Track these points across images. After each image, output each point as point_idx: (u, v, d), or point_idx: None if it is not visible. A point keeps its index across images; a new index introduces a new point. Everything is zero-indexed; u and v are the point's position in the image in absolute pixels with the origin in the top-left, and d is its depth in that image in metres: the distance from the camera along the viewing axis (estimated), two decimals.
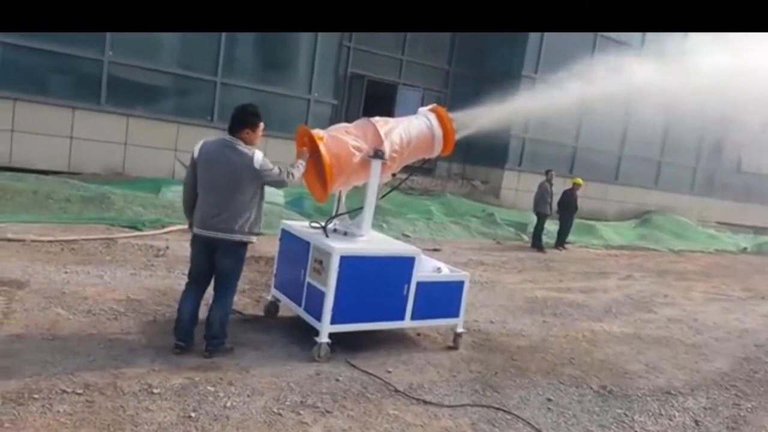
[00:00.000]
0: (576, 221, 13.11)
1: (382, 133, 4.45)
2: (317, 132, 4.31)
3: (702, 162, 20.65)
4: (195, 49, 12.14)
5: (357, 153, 4.34)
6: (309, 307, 4.33)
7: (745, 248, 17.30)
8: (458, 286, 4.84)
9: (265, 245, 8.07)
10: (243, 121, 3.92)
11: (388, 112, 14.20)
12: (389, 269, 4.39)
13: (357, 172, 4.41)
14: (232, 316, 4.92)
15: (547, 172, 12.45)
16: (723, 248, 16.56)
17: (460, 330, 4.93)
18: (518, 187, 16.22)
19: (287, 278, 4.72)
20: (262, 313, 5.03)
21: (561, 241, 12.49)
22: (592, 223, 15.44)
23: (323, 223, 4.57)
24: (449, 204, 14.21)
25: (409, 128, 4.64)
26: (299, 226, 4.76)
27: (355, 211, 4.68)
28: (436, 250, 9.83)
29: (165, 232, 7.88)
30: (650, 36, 17.46)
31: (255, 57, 13.18)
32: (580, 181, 12.82)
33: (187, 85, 12.20)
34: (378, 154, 4.38)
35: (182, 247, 7.31)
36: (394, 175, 4.86)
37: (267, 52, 13.24)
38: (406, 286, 4.44)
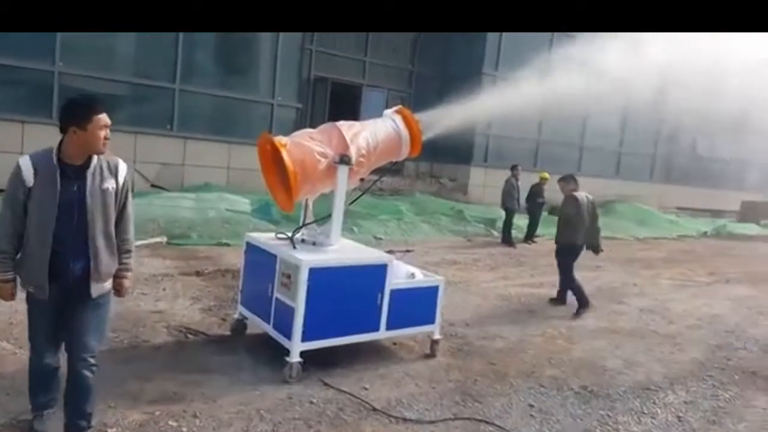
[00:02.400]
0: (543, 215, 13.23)
1: (347, 137, 4.28)
2: (279, 139, 4.11)
3: (659, 149, 21.13)
4: (150, 55, 11.72)
5: (322, 159, 4.15)
6: (278, 324, 4.13)
7: (705, 232, 17.77)
8: (433, 291, 4.71)
9: (232, 257, 7.81)
10: None
11: (354, 113, 14.04)
12: (362, 279, 4.22)
13: (323, 179, 4.23)
14: (195, 337, 4.70)
15: (512, 168, 12.49)
16: (684, 234, 16.95)
17: (436, 336, 4.79)
18: (485, 183, 16.26)
19: (254, 294, 4.50)
20: (228, 333, 4.79)
21: (530, 235, 12.55)
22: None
23: (290, 234, 4.37)
24: (419, 203, 14.13)
25: (376, 131, 4.48)
26: (264, 237, 4.54)
27: (323, 220, 4.49)
28: (408, 251, 9.71)
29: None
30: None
31: (214, 62, 12.80)
32: (546, 175, 12.87)
33: (144, 93, 11.77)
34: (344, 159, 4.20)
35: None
36: (362, 180, 4.69)
37: (227, 57, 12.88)
38: (379, 295, 4.28)
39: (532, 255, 10.99)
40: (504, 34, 15.72)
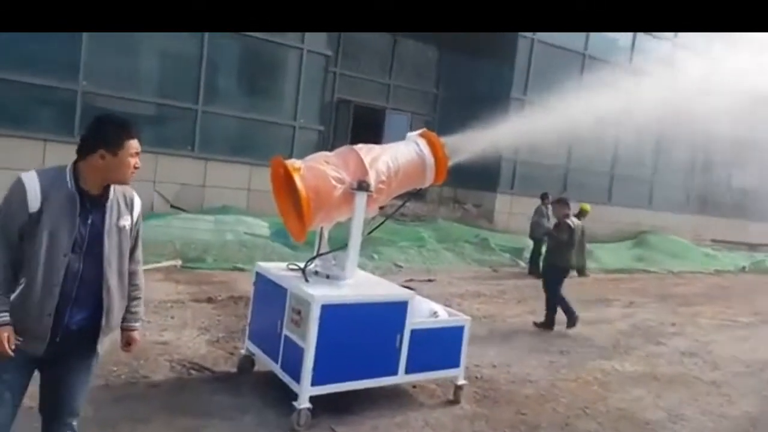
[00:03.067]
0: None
1: (366, 162, 3.96)
2: (292, 163, 3.80)
3: (693, 180, 20.41)
4: (174, 76, 11.69)
5: (338, 185, 3.83)
6: (286, 364, 3.76)
7: (744, 267, 16.92)
8: (458, 332, 4.30)
9: (246, 283, 7.50)
10: None
11: (377, 137, 13.80)
12: (379, 317, 3.85)
13: (339, 206, 3.90)
14: (199, 373, 4.35)
15: (542, 196, 11.97)
16: (722, 268, 16.15)
17: (461, 382, 4.36)
18: (511, 210, 15.78)
19: (262, 329, 4.15)
20: (234, 369, 4.44)
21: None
22: (587, 245, 15.00)
23: (302, 265, 4.03)
24: (441, 230, 13.70)
25: (397, 156, 4.15)
26: (275, 268, 4.21)
27: (339, 250, 4.14)
28: (430, 280, 9.30)
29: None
30: (637, 54, 17.40)
31: (237, 83, 12.73)
32: (587, 207, 11.69)
33: (167, 113, 11.71)
34: (362, 185, 3.87)
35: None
36: (381, 207, 4.35)
37: (250, 78, 12.81)
38: (398, 335, 3.89)
39: None
40: (534, 57, 15.42)
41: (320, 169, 3.85)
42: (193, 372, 4.35)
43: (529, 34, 15.19)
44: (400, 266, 10.22)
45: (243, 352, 4.44)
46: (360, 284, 4.03)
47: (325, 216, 3.93)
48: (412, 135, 4.39)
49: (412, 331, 3.97)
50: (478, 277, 10.57)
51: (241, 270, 8.37)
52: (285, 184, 4.01)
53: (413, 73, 15.90)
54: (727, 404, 5.19)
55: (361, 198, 3.89)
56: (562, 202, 7.64)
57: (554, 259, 7.51)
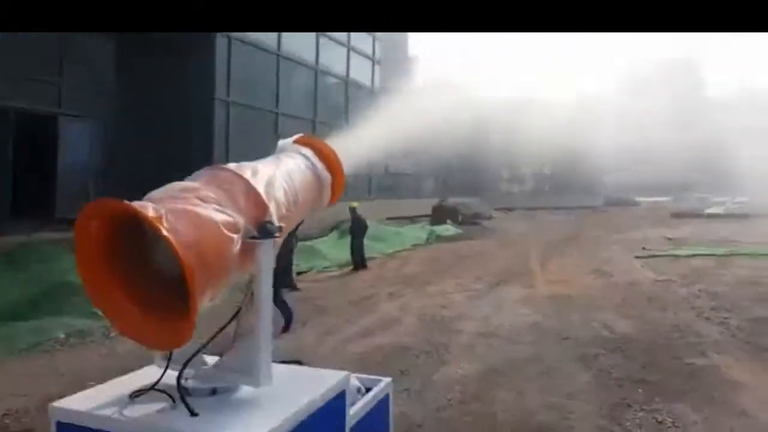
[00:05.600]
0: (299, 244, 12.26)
1: (260, 190, 2.44)
2: (143, 207, 2.02)
3: (362, 169, 22.81)
4: None
5: (233, 235, 2.22)
6: None
7: (428, 239, 19.65)
8: (385, 401, 3.19)
9: None
10: None
11: (51, 153, 10.50)
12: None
13: (235, 268, 2.29)
14: None
15: None
16: (415, 243, 18.33)
17: None
18: None
19: None
20: None
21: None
22: (309, 243, 14.88)
23: (176, 374, 2.23)
24: None
25: (290, 175, 2.73)
26: (100, 398, 2.22)
27: (222, 333, 2.45)
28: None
29: None
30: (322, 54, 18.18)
31: None
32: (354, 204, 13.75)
33: None
34: (267, 229, 2.36)
35: None
36: None
37: None
38: None
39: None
40: (232, 57, 14.21)
41: (197, 213, 2.15)
42: None
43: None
44: None
45: None
46: (279, 395, 2.42)
47: (214, 288, 2.25)
48: (288, 143, 2.99)
49: (352, 429, 2.70)
50: None
51: None
52: (111, 251, 2.15)
53: (89, 72, 12.47)
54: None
55: (267, 249, 2.37)
56: None
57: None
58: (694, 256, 13.06)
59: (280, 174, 2.66)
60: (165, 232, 1.99)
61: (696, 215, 27.67)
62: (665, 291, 9.22)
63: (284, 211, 2.60)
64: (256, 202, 2.41)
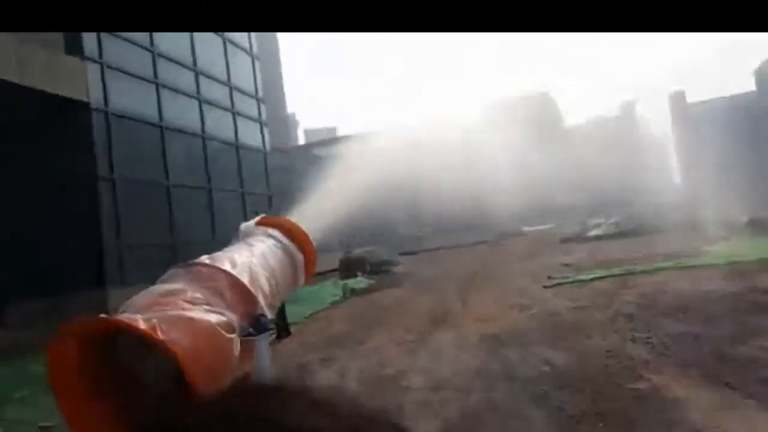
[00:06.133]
0: None
1: (246, 281, 2.25)
2: (131, 318, 1.77)
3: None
4: None
5: (230, 335, 2.02)
6: None
7: (344, 293, 19.47)
8: None
9: None
10: None
11: None
12: None
13: (235, 367, 2.07)
14: None
15: None
16: (333, 300, 18.08)
17: None
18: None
19: None
20: None
21: None
22: None
23: None
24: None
25: (267, 260, 2.55)
26: None
27: None
28: None
29: None
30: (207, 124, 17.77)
31: None
32: None
33: None
34: (261, 324, 2.17)
35: None
36: None
37: None
38: None
39: None
40: (113, 132, 13.45)
41: (190, 318, 1.92)
42: None
43: (102, 107, 13.19)
44: None
45: None
46: None
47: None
48: (251, 226, 2.82)
49: None
50: None
51: None
52: (86, 371, 1.86)
53: None
54: None
55: (263, 345, 2.17)
56: None
57: None
58: (596, 279, 13.98)
59: (257, 261, 2.51)
60: (170, 346, 1.79)
61: (582, 239, 29.78)
62: (585, 317, 9.72)
63: (270, 299, 2.45)
64: (243, 295, 2.25)
